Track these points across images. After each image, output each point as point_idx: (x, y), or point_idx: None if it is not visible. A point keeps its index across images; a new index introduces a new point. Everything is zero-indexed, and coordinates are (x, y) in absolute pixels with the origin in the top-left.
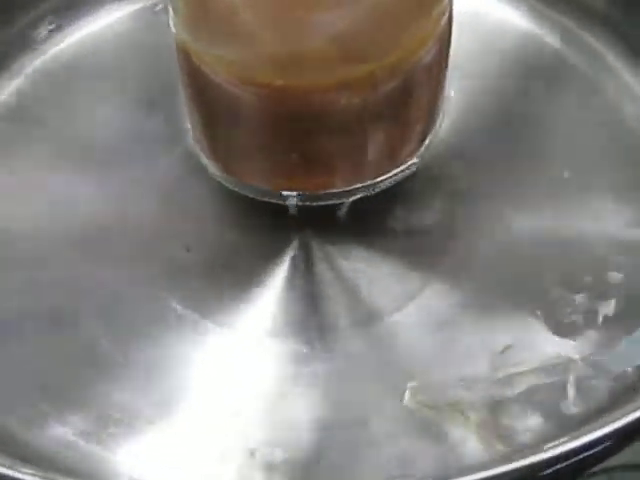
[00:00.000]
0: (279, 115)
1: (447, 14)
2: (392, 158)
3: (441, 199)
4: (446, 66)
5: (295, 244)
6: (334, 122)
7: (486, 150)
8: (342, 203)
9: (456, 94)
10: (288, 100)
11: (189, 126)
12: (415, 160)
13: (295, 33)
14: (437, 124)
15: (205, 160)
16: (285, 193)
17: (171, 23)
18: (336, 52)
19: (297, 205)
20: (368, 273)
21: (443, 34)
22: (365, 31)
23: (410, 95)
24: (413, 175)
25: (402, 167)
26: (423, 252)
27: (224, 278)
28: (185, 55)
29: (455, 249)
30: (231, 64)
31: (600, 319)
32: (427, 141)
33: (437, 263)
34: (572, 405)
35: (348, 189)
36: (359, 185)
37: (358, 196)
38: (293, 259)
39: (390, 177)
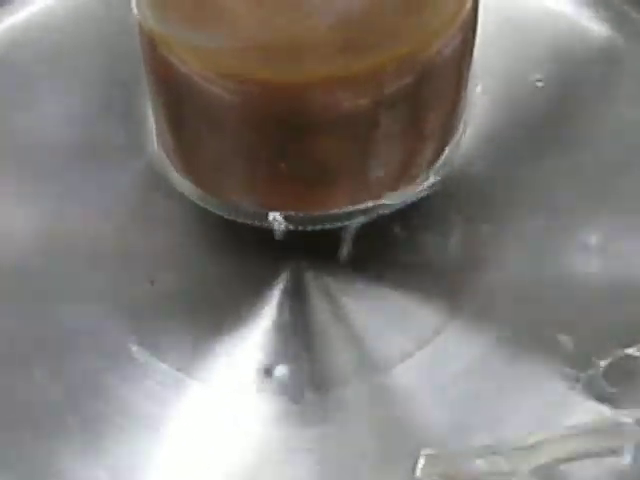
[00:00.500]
0: (266, 118)
1: (471, 4)
2: (403, 173)
3: (462, 225)
4: (470, 61)
5: (284, 277)
6: (332, 127)
7: (518, 166)
8: (343, 235)
9: (482, 96)
10: (277, 99)
11: (154, 130)
12: (431, 176)
13: (286, 15)
14: (459, 132)
15: (173, 173)
16: (272, 214)
17: (132, 1)
18: (337, 39)
19: (287, 229)
20: (373, 313)
21: (467, 21)
22: (373, 14)
23: (426, 95)
24: (428, 195)
25: (415, 184)
26: (439, 288)
27: (197, 318)
28: (150, 42)
29: (477, 285)
30: (207, 54)
31: None
32: (446, 153)
33: (455, 302)
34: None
35: (349, 210)
36: (362, 206)
37: (361, 220)
38: (282, 295)
39: (400, 197)
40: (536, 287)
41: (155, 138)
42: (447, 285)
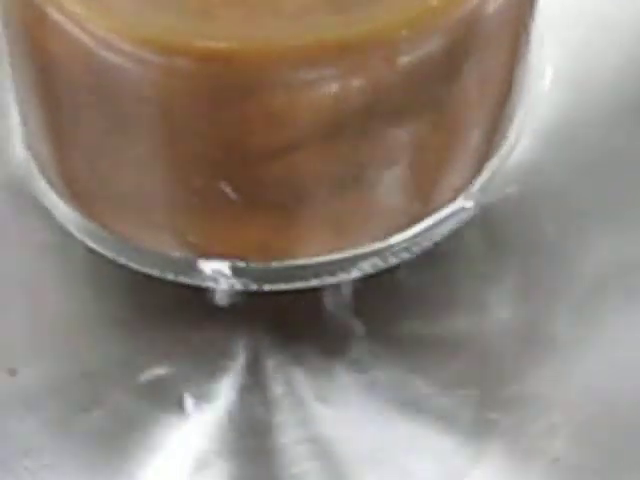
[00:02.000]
0: (208, 111)
1: None
2: (421, 200)
3: (505, 286)
4: (531, 25)
5: (239, 362)
6: (313, 126)
7: (589, 197)
8: (326, 300)
9: (552, 86)
10: (227, 81)
11: (17, 128)
12: (463, 205)
13: None
14: (508, 141)
15: (49, 194)
16: (211, 265)
17: None
18: None
19: (234, 289)
20: (358, 442)
21: None
22: None
23: (458, 80)
24: (455, 234)
25: (439, 217)
26: (465, 386)
27: (92, 424)
28: None
29: (526, 381)
30: (116, 4)
31: None
32: (485, 174)
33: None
34: None
35: (336, 259)
36: (358, 251)
37: (355, 274)
38: (231, 388)
39: (416, 237)
40: (617, 385)
41: (21, 139)
42: (475, 382)
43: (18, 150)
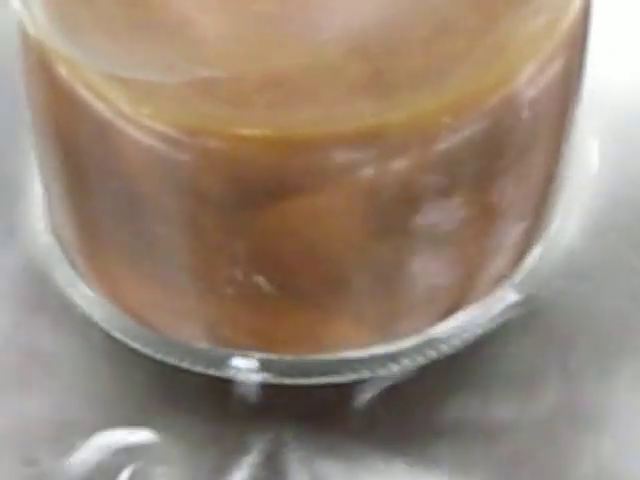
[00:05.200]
0: (239, 198)
1: (580, 6)
2: (462, 290)
3: (551, 385)
4: (576, 103)
5: (254, 456)
6: (345, 213)
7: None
8: (355, 397)
9: (600, 162)
10: (259, 167)
11: (40, 208)
12: (508, 294)
13: (282, 33)
14: (554, 224)
15: (75, 282)
16: (238, 359)
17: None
18: (361, 71)
19: (262, 382)
20: None
21: (573, 36)
22: (417, 29)
23: (501, 162)
24: (503, 325)
25: (478, 309)
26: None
27: None
28: (43, 66)
29: None
30: (148, 92)
31: None
32: (529, 263)
33: None
34: None
35: (368, 355)
36: (396, 346)
37: (389, 371)
38: None
39: (456, 329)
40: None
41: (42, 220)
42: None
43: (39, 233)
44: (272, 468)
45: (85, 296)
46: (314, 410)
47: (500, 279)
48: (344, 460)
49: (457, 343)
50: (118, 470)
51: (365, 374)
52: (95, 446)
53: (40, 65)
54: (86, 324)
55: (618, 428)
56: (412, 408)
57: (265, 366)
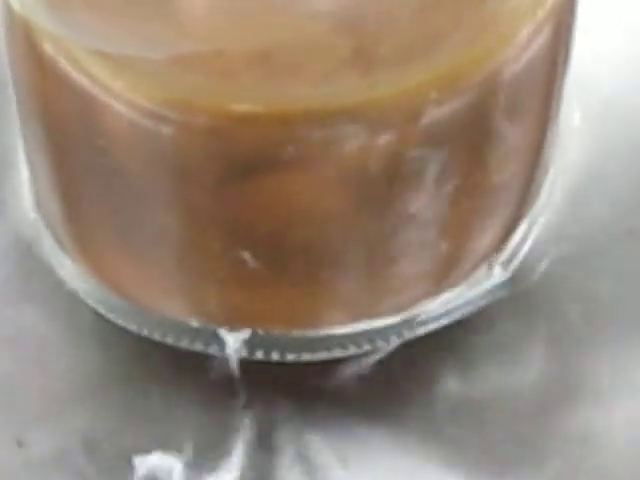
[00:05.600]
0: (227, 175)
1: None
2: (449, 267)
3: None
4: (564, 75)
5: (244, 435)
6: (336, 190)
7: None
8: (342, 372)
9: (581, 130)
10: (245, 142)
11: (26, 185)
12: (495, 272)
13: (264, 7)
14: (540, 199)
15: (59, 256)
16: (225, 334)
17: None
18: (346, 46)
19: (249, 358)
20: None
21: (557, 16)
22: (401, 6)
23: (487, 138)
24: (490, 303)
25: (468, 286)
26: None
27: None
28: (29, 43)
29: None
30: (139, 68)
31: None
32: (514, 239)
33: None
34: None
35: (357, 331)
36: (381, 322)
37: (378, 346)
38: (239, 462)
39: (444, 307)
40: None
41: (29, 197)
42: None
43: (26, 210)
44: (263, 445)
45: (71, 272)
46: (302, 386)
47: (486, 257)
48: (334, 435)
49: (443, 320)
50: (104, 443)
51: (352, 350)
52: (79, 421)
53: (25, 41)
54: (73, 300)
55: (605, 398)
56: (399, 383)
57: (252, 342)
